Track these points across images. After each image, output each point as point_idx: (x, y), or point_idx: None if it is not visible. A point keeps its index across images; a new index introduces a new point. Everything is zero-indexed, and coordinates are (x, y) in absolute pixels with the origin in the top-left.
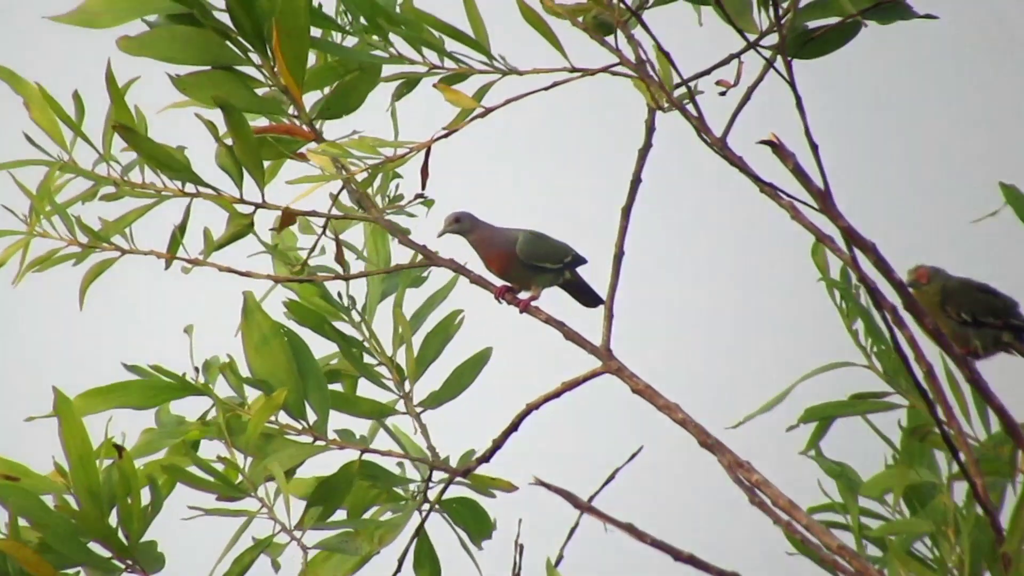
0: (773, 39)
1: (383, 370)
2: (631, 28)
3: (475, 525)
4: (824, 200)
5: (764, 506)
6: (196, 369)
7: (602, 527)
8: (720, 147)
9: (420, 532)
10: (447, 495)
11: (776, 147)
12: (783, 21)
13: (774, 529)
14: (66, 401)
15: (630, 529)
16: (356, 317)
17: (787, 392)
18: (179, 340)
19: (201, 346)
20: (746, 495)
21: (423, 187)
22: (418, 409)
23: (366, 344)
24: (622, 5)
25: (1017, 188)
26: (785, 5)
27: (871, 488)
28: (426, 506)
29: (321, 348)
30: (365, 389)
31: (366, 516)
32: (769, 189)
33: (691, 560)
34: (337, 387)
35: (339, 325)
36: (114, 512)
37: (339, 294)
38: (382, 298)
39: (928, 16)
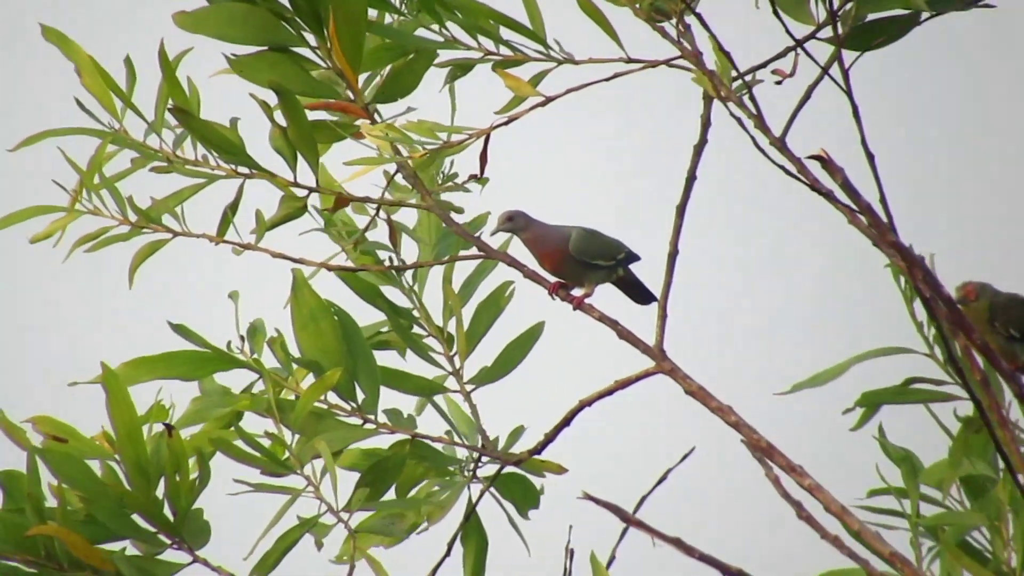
0: (829, 31)
1: (432, 342)
2: (687, 17)
3: (522, 497)
4: (872, 215)
5: (812, 520)
6: (241, 338)
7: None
8: (779, 146)
9: (471, 513)
10: (491, 470)
11: (825, 162)
12: (839, 12)
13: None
14: (113, 375)
15: (678, 543)
16: (407, 284)
17: (843, 368)
18: (227, 314)
19: (249, 320)
20: (794, 509)
21: (481, 173)
22: (469, 387)
23: (416, 314)
24: None
25: None
26: None
27: (931, 476)
28: (476, 485)
29: (368, 317)
30: (413, 361)
31: (413, 492)
32: (826, 192)
33: (740, 575)
34: (385, 357)
35: (388, 293)
36: (160, 485)
37: (390, 259)
38: (430, 269)
39: (986, 5)
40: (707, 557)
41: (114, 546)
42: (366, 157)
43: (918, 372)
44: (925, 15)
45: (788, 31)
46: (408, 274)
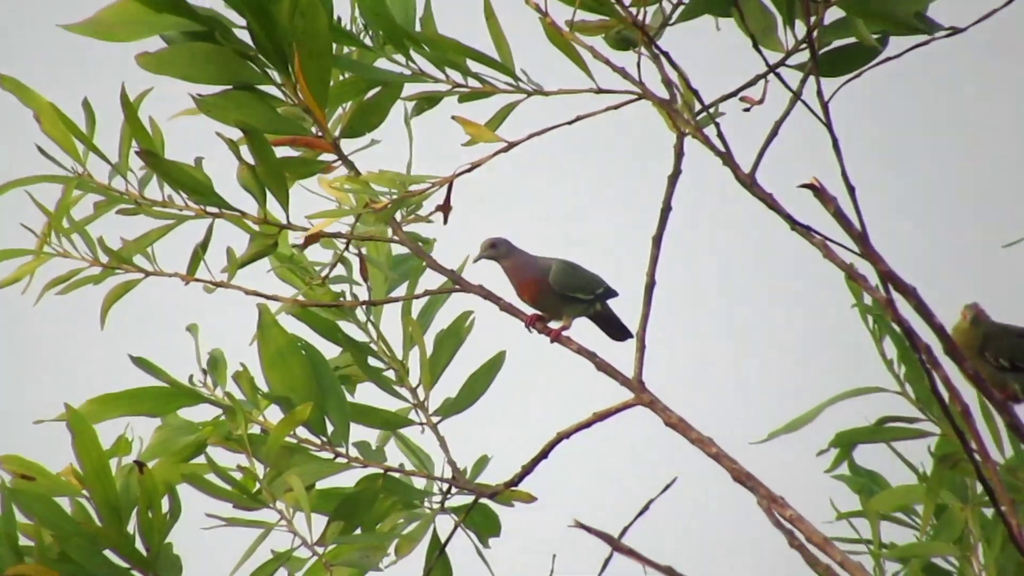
0: (799, 58)
1: (392, 375)
2: (657, 39)
3: (484, 525)
4: (864, 244)
5: (803, 549)
6: (203, 371)
7: (635, 567)
8: (748, 184)
9: (443, 548)
10: (458, 502)
11: (817, 191)
12: (814, 37)
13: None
14: (78, 416)
15: (669, 572)
16: (362, 317)
17: (816, 413)
18: (192, 349)
19: (214, 355)
20: (786, 538)
21: (445, 221)
22: (435, 419)
23: (374, 347)
24: (640, 29)
25: None
26: (812, 21)
27: (883, 503)
28: (443, 517)
29: (328, 351)
30: (373, 395)
31: (381, 526)
32: (801, 228)
33: None
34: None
35: (346, 328)
36: (131, 520)
37: (355, 296)
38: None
39: (953, 29)
40: None
41: None
42: (330, 210)
43: (888, 410)
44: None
45: (763, 58)
46: (360, 309)
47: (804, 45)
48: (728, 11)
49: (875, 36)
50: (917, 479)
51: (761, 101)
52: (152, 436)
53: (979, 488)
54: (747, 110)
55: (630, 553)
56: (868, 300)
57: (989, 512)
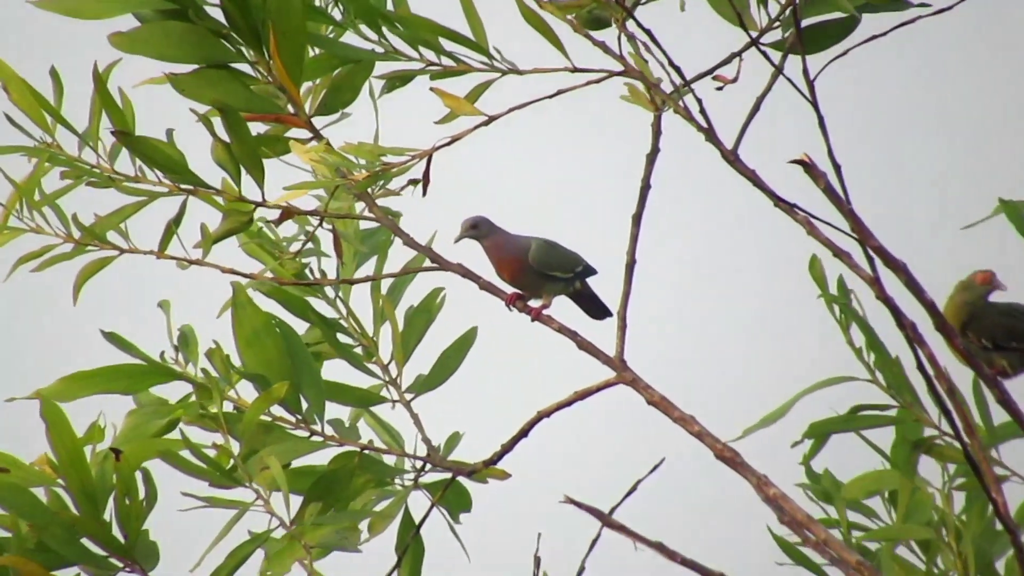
0: (773, 36)
1: (363, 351)
2: (629, 26)
3: (455, 502)
4: (854, 219)
5: (793, 524)
6: (175, 348)
7: (623, 542)
8: (731, 160)
9: (418, 528)
10: (430, 479)
11: (808, 167)
12: (784, 17)
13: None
14: (52, 405)
15: (660, 547)
16: (331, 294)
17: (788, 407)
18: (165, 326)
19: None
20: (776, 513)
21: (424, 194)
22: (408, 396)
23: (344, 324)
24: (617, 3)
25: (1014, 201)
26: (783, 2)
27: (853, 490)
28: (418, 495)
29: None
30: (344, 372)
31: (353, 504)
32: (785, 205)
33: None
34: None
35: (315, 304)
36: (108, 507)
37: (311, 271)
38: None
39: (922, 4)
40: (689, 561)
41: (66, 572)
42: (306, 182)
43: (861, 396)
44: (868, 17)
45: (748, 32)
46: (330, 287)
47: (777, 24)
48: None
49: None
50: (890, 464)
51: (735, 80)
52: (124, 419)
53: (951, 470)
54: (720, 88)
55: (621, 529)
56: (833, 287)
57: (960, 495)
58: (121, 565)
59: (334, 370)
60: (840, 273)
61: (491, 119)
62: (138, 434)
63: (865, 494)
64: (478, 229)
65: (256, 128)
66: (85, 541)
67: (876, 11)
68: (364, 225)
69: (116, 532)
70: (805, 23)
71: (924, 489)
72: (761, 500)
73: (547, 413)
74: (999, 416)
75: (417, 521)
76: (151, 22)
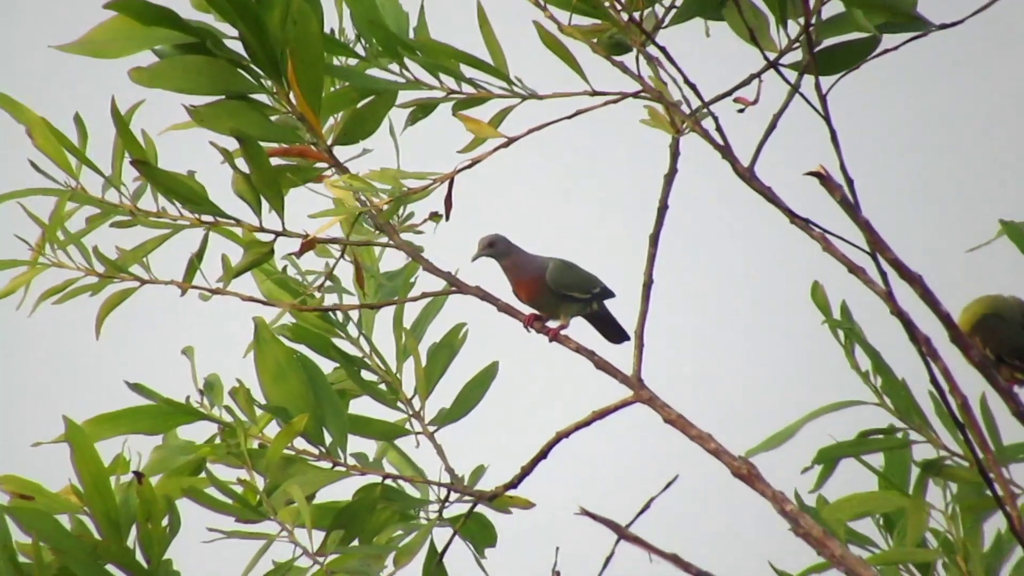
0: (792, 57)
1: (387, 387)
2: (647, 46)
3: (480, 535)
4: (870, 232)
5: (808, 537)
6: (200, 392)
7: (640, 556)
8: (747, 178)
9: (440, 559)
10: (452, 512)
11: (824, 179)
12: (803, 38)
13: (808, 559)
14: (77, 429)
15: (675, 560)
16: (353, 333)
17: (795, 429)
18: (189, 364)
19: (215, 369)
20: (791, 525)
21: (447, 218)
22: (431, 428)
23: (367, 361)
24: (637, 27)
25: (1017, 223)
26: (803, 22)
27: (843, 509)
28: (443, 530)
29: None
30: (366, 407)
31: (378, 538)
32: (800, 221)
33: None
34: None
35: (339, 343)
36: (131, 534)
37: (334, 312)
38: (377, 311)
39: (943, 26)
40: (704, 574)
41: None
42: (331, 209)
43: (870, 420)
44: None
45: (764, 55)
46: (352, 324)
47: (797, 45)
48: (719, 13)
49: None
50: (878, 484)
51: (755, 102)
52: (150, 455)
53: (954, 490)
54: (741, 111)
55: (636, 541)
56: (837, 313)
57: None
58: None
59: (360, 408)
60: (843, 298)
61: (511, 140)
62: (164, 467)
63: (854, 515)
64: (495, 247)
65: (277, 161)
66: (108, 567)
67: (896, 32)
68: (384, 265)
69: (139, 558)
70: (825, 44)
71: (925, 511)
72: (777, 512)
73: (566, 433)
74: (1007, 434)
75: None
76: (171, 57)
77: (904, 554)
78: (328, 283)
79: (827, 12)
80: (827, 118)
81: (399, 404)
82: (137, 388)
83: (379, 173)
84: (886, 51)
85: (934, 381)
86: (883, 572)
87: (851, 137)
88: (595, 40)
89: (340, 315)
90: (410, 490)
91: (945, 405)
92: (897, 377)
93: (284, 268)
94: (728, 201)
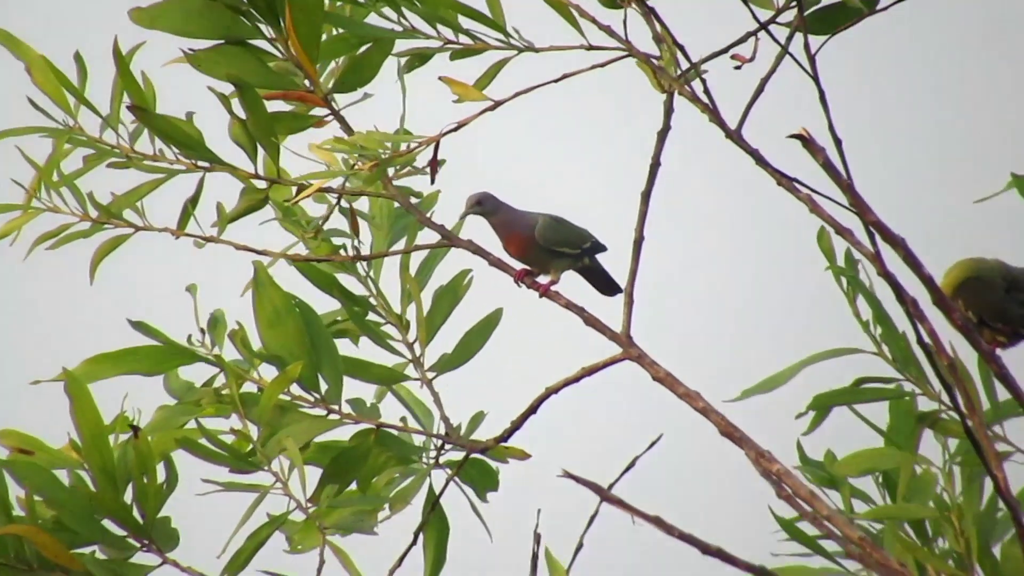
0: (788, 17)
1: (391, 330)
2: (644, 3)
3: (481, 480)
4: (853, 194)
5: (791, 499)
6: (202, 331)
7: (624, 517)
8: (735, 139)
9: (436, 503)
10: (453, 456)
11: (806, 141)
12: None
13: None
14: (76, 381)
15: (657, 522)
16: (363, 272)
17: (791, 373)
18: (189, 307)
19: (210, 313)
20: (773, 488)
21: (432, 180)
22: (430, 375)
23: (373, 302)
24: None
25: None
26: None
27: (847, 467)
28: (438, 472)
29: (324, 306)
30: (370, 350)
31: (376, 480)
32: (787, 182)
33: (719, 553)
34: (343, 347)
35: (345, 282)
36: (128, 489)
37: (353, 247)
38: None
39: None
40: (687, 536)
41: (83, 552)
42: (318, 172)
43: (866, 370)
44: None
45: (754, 15)
46: (360, 265)
47: (793, 3)
48: None
49: None
50: (884, 442)
51: (752, 59)
52: (154, 414)
53: (952, 447)
54: (738, 67)
55: (619, 503)
56: (840, 260)
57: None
58: (139, 545)
59: (363, 349)
60: (847, 247)
61: (497, 104)
62: (166, 426)
63: (859, 472)
64: (483, 205)
65: (275, 108)
66: (105, 522)
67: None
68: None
69: (135, 513)
70: (820, 5)
71: (926, 467)
72: (760, 474)
73: (555, 389)
74: (1005, 392)
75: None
76: None
77: (898, 510)
78: (330, 225)
79: None
80: (815, 77)
81: (401, 348)
82: (139, 326)
83: (364, 136)
84: (877, 10)
85: (921, 342)
86: (885, 529)
87: (841, 99)
88: None
89: (350, 251)
90: (407, 437)
91: (933, 365)
92: (897, 328)
93: (289, 208)
94: (720, 160)
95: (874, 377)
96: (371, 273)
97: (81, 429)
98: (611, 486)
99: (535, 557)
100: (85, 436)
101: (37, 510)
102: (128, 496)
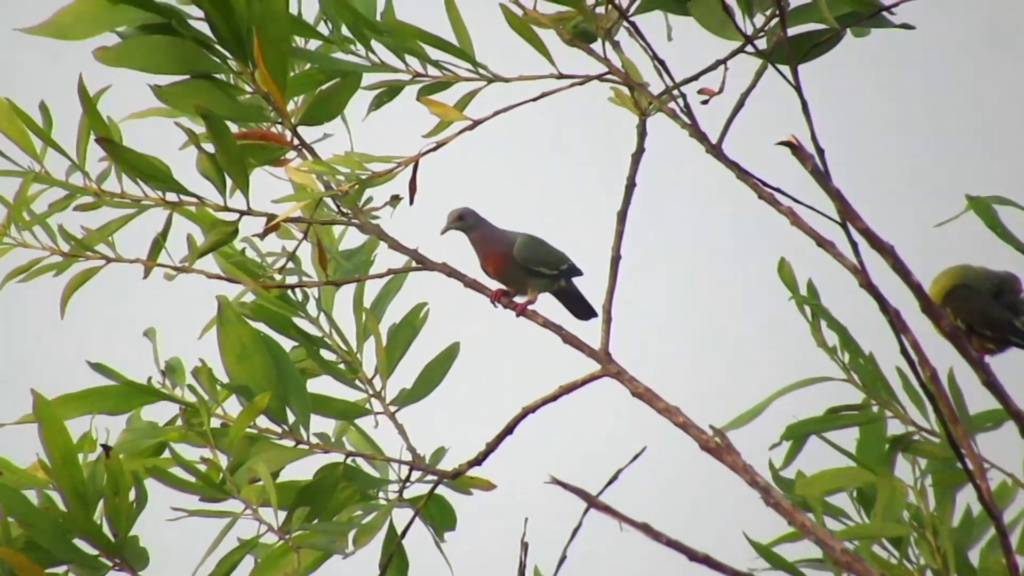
0: (760, 45)
1: (346, 367)
2: (615, 35)
3: (440, 519)
4: (842, 201)
5: (779, 507)
6: (162, 373)
7: (608, 528)
8: (716, 153)
9: (400, 540)
10: (413, 492)
11: (795, 148)
12: (769, 27)
13: (774, 532)
14: (46, 402)
15: (645, 528)
16: (313, 312)
17: (763, 407)
18: (152, 345)
19: (180, 348)
20: (761, 496)
21: (411, 201)
22: (392, 408)
23: (327, 341)
24: (609, 9)
25: (981, 197)
26: (768, 13)
27: (813, 485)
28: (403, 511)
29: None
30: (327, 387)
31: (339, 517)
32: (767, 194)
33: (706, 560)
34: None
35: (299, 323)
36: (98, 509)
37: (293, 292)
38: (337, 290)
39: (904, 26)
40: (674, 542)
41: (56, 573)
42: (294, 194)
43: (837, 396)
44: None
45: (743, 34)
46: (312, 303)
47: (762, 34)
48: (684, 7)
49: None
50: (855, 463)
51: (720, 91)
52: (119, 436)
53: (922, 465)
54: (705, 102)
55: (606, 510)
56: (803, 289)
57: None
58: (111, 564)
59: (319, 387)
60: (811, 274)
61: (476, 123)
62: (130, 448)
63: (825, 491)
64: (464, 220)
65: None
66: (76, 542)
67: (860, 26)
68: (345, 245)
69: (107, 531)
70: (792, 32)
71: (898, 486)
72: (747, 484)
73: (532, 408)
74: (975, 406)
75: (410, 536)
76: (136, 36)
77: (874, 528)
78: (290, 264)
79: (795, 1)
80: (798, 88)
81: (359, 383)
82: (99, 368)
83: (342, 157)
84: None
85: (904, 353)
86: (860, 546)
87: (821, 111)
88: (561, 26)
89: (300, 295)
90: (371, 471)
91: (916, 377)
92: (864, 352)
93: (243, 250)
94: (697, 179)
95: (847, 405)
96: (324, 310)
97: (51, 450)
98: (597, 495)
99: (522, 567)
100: (54, 456)
101: (7, 532)
102: (98, 515)
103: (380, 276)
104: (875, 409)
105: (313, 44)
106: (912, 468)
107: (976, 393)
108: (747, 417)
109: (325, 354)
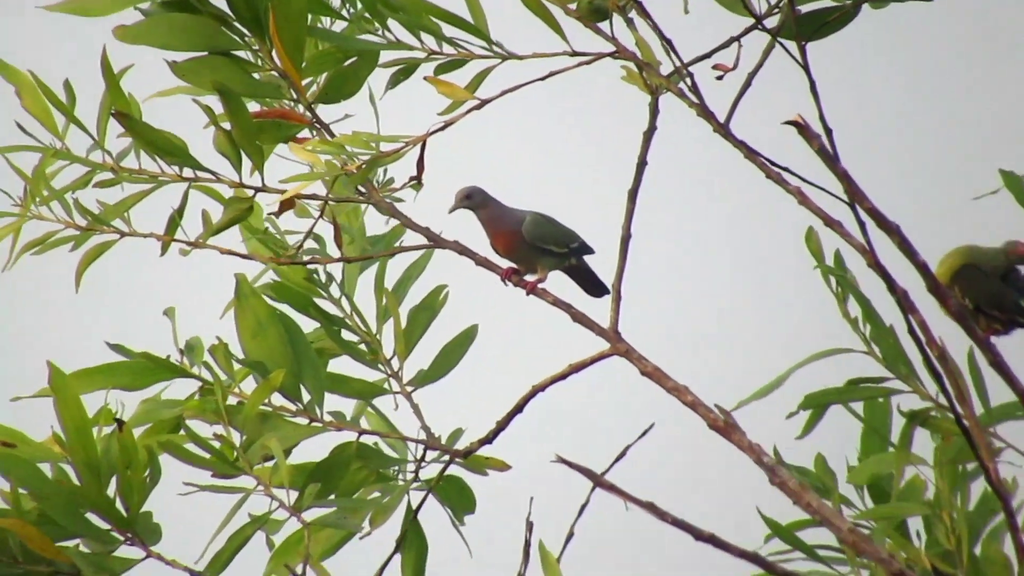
0: (772, 22)
1: (366, 348)
2: (628, 12)
3: (459, 502)
4: (849, 181)
5: (785, 486)
6: (180, 351)
7: (615, 506)
8: (723, 132)
9: (413, 517)
10: (429, 473)
11: (802, 128)
12: (782, 4)
13: (788, 511)
14: (61, 375)
15: (651, 507)
16: (336, 293)
17: (783, 378)
18: (171, 324)
19: (195, 326)
20: (767, 475)
21: (419, 181)
22: (409, 388)
23: (348, 321)
24: None
25: (1016, 173)
26: None
27: (859, 475)
28: (417, 487)
29: (305, 326)
30: (346, 367)
31: (356, 496)
32: (775, 174)
33: (712, 539)
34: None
35: (320, 303)
36: (111, 484)
37: (316, 272)
38: (360, 272)
39: None
40: (680, 521)
41: (68, 545)
42: (303, 174)
43: (857, 370)
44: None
45: (753, 14)
46: (335, 284)
47: (777, 10)
48: None
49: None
50: (864, 434)
51: (734, 67)
52: (137, 407)
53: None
54: (720, 78)
55: (612, 488)
56: (829, 258)
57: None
58: (122, 539)
59: (339, 368)
60: (837, 247)
61: (484, 102)
62: (148, 420)
63: (869, 478)
64: (472, 199)
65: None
66: (88, 515)
67: (873, 3)
68: (368, 226)
69: (119, 506)
70: (806, 8)
71: (917, 465)
72: (754, 463)
73: (542, 387)
74: (993, 384)
75: (426, 516)
76: (155, 14)
77: (892, 509)
78: (313, 244)
79: None
80: (805, 67)
81: (378, 365)
82: (116, 348)
83: (351, 137)
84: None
85: (912, 332)
86: (878, 527)
87: (830, 91)
88: (574, 6)
89: (323, 276)
90: (387, 451)
91: (924, 357)
92: (885, 325)
93: (266, 229)
94: (707, 158)
95: (864, 378)
96: (345, 292)
97: (65, 424)
98: (603, 474)
99: (527, 545)
100: (69, 430)
101: (20, 504)
102: (111, 490)
103: (394, 253)
104: (895, 383)
105: (337, 25)
106: (934, 449)
107: (985, 374)
108: (766, 390)
109: (345, 335)
